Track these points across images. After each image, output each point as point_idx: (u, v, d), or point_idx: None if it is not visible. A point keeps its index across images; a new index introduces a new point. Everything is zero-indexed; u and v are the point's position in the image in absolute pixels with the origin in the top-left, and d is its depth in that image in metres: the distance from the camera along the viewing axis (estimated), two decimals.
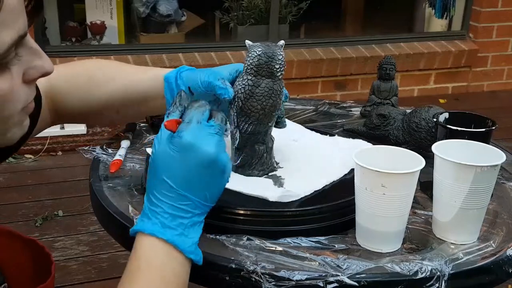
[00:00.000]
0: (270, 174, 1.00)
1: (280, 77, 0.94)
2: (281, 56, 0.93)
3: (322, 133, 1.18)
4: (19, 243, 0.85)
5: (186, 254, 0.75)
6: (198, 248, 0.78)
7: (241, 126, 0.96)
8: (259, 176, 0.99)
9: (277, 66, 0.93)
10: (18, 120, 0.70)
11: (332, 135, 1.17)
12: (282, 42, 0.96)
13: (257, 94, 0.94)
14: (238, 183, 0.94)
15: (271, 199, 0.91)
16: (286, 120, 1.06)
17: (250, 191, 0.93)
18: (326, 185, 0.97)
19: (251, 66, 0.93)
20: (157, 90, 1.00)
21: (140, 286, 0.73)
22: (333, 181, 0.98)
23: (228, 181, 0.81)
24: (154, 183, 0.77)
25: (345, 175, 1.00)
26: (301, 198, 0.92)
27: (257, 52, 0.93)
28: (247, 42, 0.96)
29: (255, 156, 0.98)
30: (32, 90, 0.71)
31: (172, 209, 0.75)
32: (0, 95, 0.64)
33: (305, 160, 1.06)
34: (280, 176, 1.00)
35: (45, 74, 0.70)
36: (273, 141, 1.01)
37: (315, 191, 0.95)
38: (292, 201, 0.92)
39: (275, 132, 1.03)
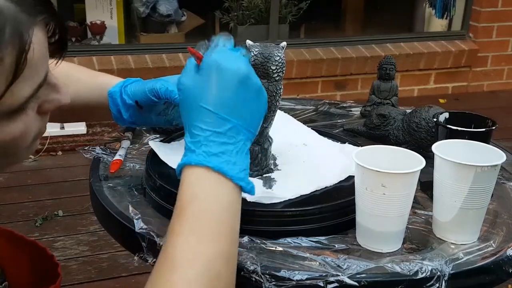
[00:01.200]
0: (265, 175, 1.00)
1: (277, 78, 0.94)
2: (278, 57, 0.93)
3: (334, 138, 1.17)
4: (20, 244, 0.84)
5: (236, 181, 0.71)
6: (248, 178, 0.75)
7: None
8: (253, 177, 0.99)
9: (273, 67, 0.93)
10: (30, 147, 0.68)
11: (343, 142, 1.14)
12: (283, 43, 0.96)
13: None
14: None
15: (249, 199, 0.89)
16: (300, 123, 1.06)
17: None
18: (316, 190, 0.95)
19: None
20: (101, 100, 1.01)
21: (190, 220, 0.69)
22: (326, 187, 0.96)
23: (266, 109, 0.78)
24: (191, 115, 0.74)
25: (341, 181, 0.99)
26: (285, 200, 0.91)
27: (254, 52, 0.93)
28: (248, 42, 0.96)
29: (250, 156, 0.98)
30: (46, 119, 0.69)
31: (215, 135, 0.72)
32: (12, 137, 0.63)
33: (306, 164, 1.05)
34: (274, 178, 0.99)
35: (61, 106, 0.68)
36: (270, 142, 1.00)
37: (301, 195, 0.93)
38: (279, 202, 0.90)
39: (285, 134, 1.03)
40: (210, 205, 0.70)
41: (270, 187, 0.96)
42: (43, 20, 0.61)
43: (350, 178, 0.96)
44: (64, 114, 1.03)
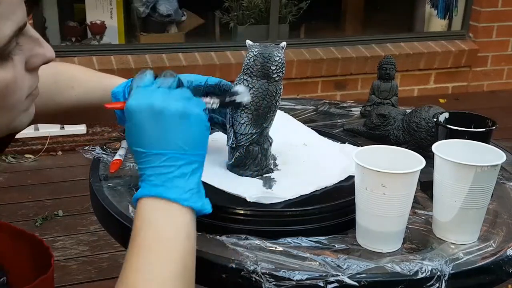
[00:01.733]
0: (265, 175, 1.00)
1: (276, 78, 0.94)
2: (278, 58, 0.93)
3: (334, 138, 1.17)
4: (18, 238, 0.85)
5: (181, 202, 0.74)
6: (201, 197, 0.76)
7: (236, 126, 0.97)
8: (253, 177, 0.99)
9: (272, 68, 0.93)
10: (25, 107, 0.71)
11: (343, 142, 1.14)
12: (283, 43, 0.96)
13: (251, 95, 0.94)
14: (226, 181, 0.95)
15: (249, 199, 0.90)
16: (300, 123, 1.06)
17: (231, 190, 0.93)
18: (316, 190, 0.95)
19: (247, 67, 0.94)
20: (105, 101, 0.99)
21: (138, 244, 0.72)
22: (326, 187, 0.97)
23: (207, 126, 0.79)
24: (135, 159, 0.78)
25: (341, 181, 0.99)
26: (285, 200, 0.91)
27: (254, 52, 0.93)
28: (248, 42, 0.96)
29: (249, 156, 0.98)
30: (36, 77, 0.72)
31: (153, 170, 0.75)
32: (4, 85, 0.66)
33: (306, 164, 1.05)
34: (273, 178, 0.99)
35: (47, 61, 0.71)
36: (270, 143, 1.00)
37: (301, 195, 0.93)
38: (279, 202, 0.91)
39: (285, 134, 1.03)
40: (159, 230, 0.73)
41: (270, 187, 0.96)
42: None
43: (350, 178, 0.96)
44: (70, 115, 1.04)
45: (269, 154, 1.01)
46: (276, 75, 0.94)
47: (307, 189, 0.95)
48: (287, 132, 1.14)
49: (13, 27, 0.64)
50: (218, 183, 0.95)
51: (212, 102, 0.88)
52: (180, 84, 0.82)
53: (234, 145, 0.97)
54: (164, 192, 0.74)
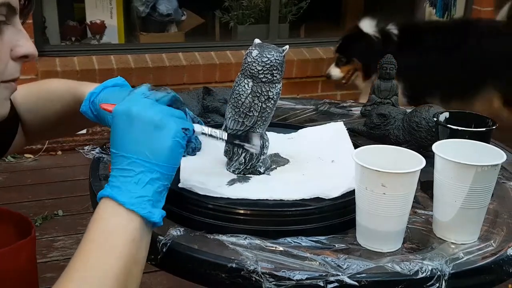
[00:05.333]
0: (247, 175, 1.00)
1: (263, 79, 0.94)
2: (266, 59, 0.93)
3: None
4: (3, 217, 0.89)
5: (127, 206, 0.76)
6: (153, 206, 0.78)
7: (225, 121, 0.99)
8: (235, 173, 1.00)
9: (258, 68, 0.93)
10: (2, 95, 0.77)
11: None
12: (285, 47, 0.96)
13: (235, 93, 0.96)
14: (202, 178, 0.95)
15: (180, 185, 0.92)
16: (349, 140, 1.08)
17: (195, 178, 0.94)
18: (274, 200, 0.92)
19: (242, 65, 0.95)
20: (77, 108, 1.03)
21: (85, 237, 0.76)
22: (286, 200, 0.92)
23: (179, 143, 0.80)
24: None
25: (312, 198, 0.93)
26: (261, 199, 0.92)
27: (248, 50, 0.94)
28: (256, 40, 0.97)
29: (235, 152, 0.99)
30: (17, 68, 0.79)
31: (117, 172, 0.78)
32: None
33: (302, 177, 1.01)
34: (250, 178, 0.99)
35: (30, 55, 0.79)
36: (262, 144, 0.99)
37: (258, 199, 0.92)
38: (280, 203, 0.91)
39: (321, 148, 1.05)
40: (106, 226, 0.76)
41: (231, 184, 0.96)
42: None
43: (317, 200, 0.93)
44: (61, 128, 1.08)
45: (258, 157, 1.00)
46: (263, 75, 0.93)
47: (266, 195, 0.92)
48: (324, 146, 1.10)
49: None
50: (194, 181, 0.94)
51: (220, 135, 0.89)
52: (176, 104, 0.85)
53: (223, 138, 0.94)
54: (116, 194, 0.76)
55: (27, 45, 0.78)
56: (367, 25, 2.99)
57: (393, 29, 2.98)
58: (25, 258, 0.84)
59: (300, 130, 1.19)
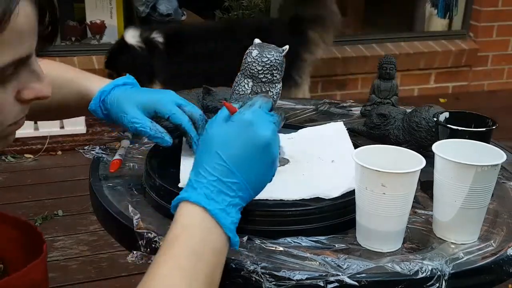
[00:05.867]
0: None
1: (263, 79, 0.94)
2: (266, 59, 0.93)
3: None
4: (11, 224, 0.84)
5: (226, 230, 0.73)
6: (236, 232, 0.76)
7: None
8: None
9: (258, 68, 0.93)
10: (4, 134, 0.69)
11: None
12: (285, 47, 0.96)
13: (235, 93, 0.96)
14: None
15: (180, 185, 0.92)
16: (349, 140, 1.07)
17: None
18: (274, 200, 0.91)
19: (242, 65, 0.95)
20: (84, 103, 1.01)
21: (177, 253, 0.71)
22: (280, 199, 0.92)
23: (272, 178, 0.80)
24: (204, 157, 0.76)
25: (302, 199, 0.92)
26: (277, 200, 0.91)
27: (248, 50, 0.94)
28: (256, 40, 0.97)
29: None
30: (25, 109, 0.69)
31: (218, 182, 0.74)
32: None
33: (301, 177, 1.00)
34: None
35: (41, 97, 0.69)
36: None
37: (258, 199, 0.89)
38: (280, 203, 0.91)
39: (320, 147, 1.04)
40: (200, 243, 0.72)
41: None
42: None
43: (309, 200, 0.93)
44: (53, 114, 1.05)
45: None
46: (263, 75, 0.94)
47: (265, 195, 0.90)
48: (323, 146, 1.10)
49: (14, 56, 0.62)
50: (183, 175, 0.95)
51: None
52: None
53: None
54: (218, 213, 0.73)
55: (37, 88, 0.68)
56: (130, 36, 2.86)
57: (158, 37, 2.85)
58: (39, 278, 0.77)
59: (300, 130, 1.18)
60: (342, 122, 1.19)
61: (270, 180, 0.80)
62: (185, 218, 0.73)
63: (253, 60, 0.94)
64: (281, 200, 0.92)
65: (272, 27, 3.02)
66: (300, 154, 1.08)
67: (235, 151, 0.75)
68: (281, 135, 1.14)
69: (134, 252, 0.85)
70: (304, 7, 3.03)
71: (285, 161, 1.06)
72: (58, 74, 1.01)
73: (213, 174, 0.74)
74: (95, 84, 1.00)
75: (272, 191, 0.93)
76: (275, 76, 0.94)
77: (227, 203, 0.74)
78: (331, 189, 0.93)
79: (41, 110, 0.99)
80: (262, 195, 0.91)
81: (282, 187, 0.95)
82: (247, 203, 0.78)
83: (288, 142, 1.14)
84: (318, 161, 1.06)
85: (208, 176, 0.74)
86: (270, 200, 0.91)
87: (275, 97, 0.96)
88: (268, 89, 0.95)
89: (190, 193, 0.74)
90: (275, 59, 0.93)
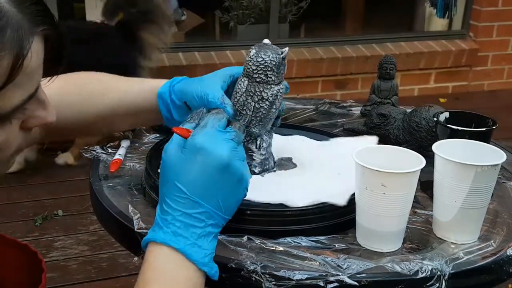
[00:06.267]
0: None
1: (257, 79, 0.94)
2: (261, 59, 0.93)
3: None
4: (12, 248, 0.82)
5: (199, 266, 0.72)
6: (213, 262, 0.75)
7: None
8: None
9: (253, 67, 0.93)
10: (6, 160, 0.68)
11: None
12: (285, 49, 0.95)
13: (234, 91, 0.96)
14: None
15: None
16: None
17: None
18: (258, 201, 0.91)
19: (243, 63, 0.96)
20: (150, 104, 0.99)
21: None
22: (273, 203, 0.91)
23: (245, 195, 0.78)
24: (165, 189, 0.74)
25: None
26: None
27: (250, 49, 0.95)
28: (265, 40, 0.97)
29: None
30: (27, 137, 0.68)
31: (184, 217, 0.72)
32: None
33: (298, 180, 1.00)
34: None
35: (45, 124, 0.68)
36: (258, 145, 0.99)
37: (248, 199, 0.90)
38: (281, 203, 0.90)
39: (334, 159, 1.03)
40: (175, 284, 0.71)
41: None
42: (43, 31, 0.62)
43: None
44: (108, 122, 1.01)
45: (254, 156, 0.99)
46: (257, 75, 0.93)
47: (252, 195, 0.89)
48: (338, 157, 1.05)
49: (24, 96, 0.62)
50: None
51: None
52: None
53: None
54: (188, 249, 0.71)
55: (42, 116, 0.67)
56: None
57: None
58: None
59: (333, 139, 1.14)
60: (376, 136, 1.14)
61: (245, 196, 0.79)
62: (154, 259, 0.72)
63: (250, 59, 0.94)
64: (266, 203, 0.91)
65: (105, 34, 2.72)
66: (312, 162, 1.05)
67: (194, 180, 0.73)
68: (312, 142, 1.12)
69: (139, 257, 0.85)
70: (127, 7, 2.72)
71: (292, 166, 1.04)
72: (130, 91, 1.00)
73: (177, 209, 0.72)
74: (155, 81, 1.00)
75: (274, 194, 0.93)
76: (270, 78, 0.93)
77: (197, 236, 0.72)
78: (299, 200, 0.90)
79: (121, 116, 1.00)
80: (263, 198, 0.91)
81: (283, 191, 0.95)
82: (222, 226, 0.76)
83: (315, 149, 1.11)
84: (326, 171, 1.02)
85: (172, 212, 0.73)
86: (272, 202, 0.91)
87: (270, 98, 0.95)
88: (262, 89, 0.94)
89: (156, 233, 0.73)
90: (270, 60, 0.93)
